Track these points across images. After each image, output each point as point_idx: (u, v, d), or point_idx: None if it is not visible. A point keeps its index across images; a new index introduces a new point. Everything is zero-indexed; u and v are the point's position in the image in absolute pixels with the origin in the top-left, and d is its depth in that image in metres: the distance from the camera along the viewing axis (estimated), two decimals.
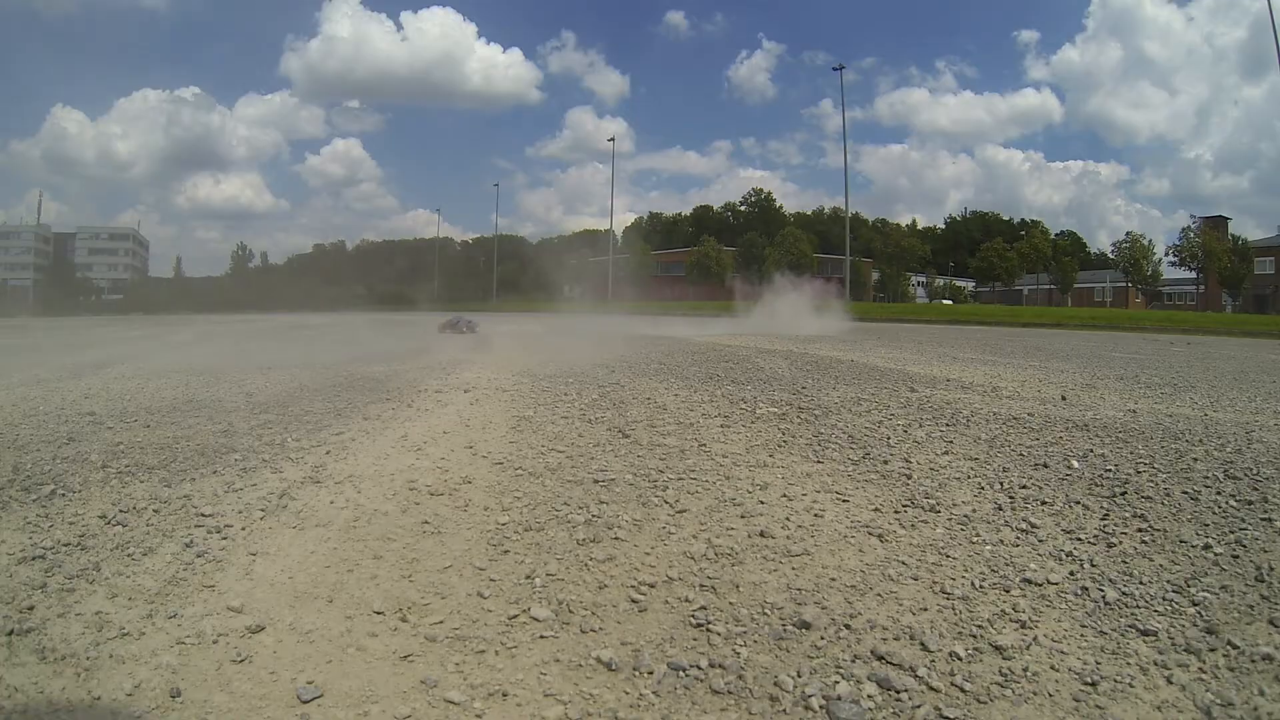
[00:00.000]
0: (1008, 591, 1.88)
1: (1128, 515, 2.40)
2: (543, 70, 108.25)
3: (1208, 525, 2.30)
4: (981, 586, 1.91)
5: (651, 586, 1.95)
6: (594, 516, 2.45)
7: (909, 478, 2.90)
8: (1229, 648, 1.60)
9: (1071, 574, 1.98)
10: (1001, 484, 2.78)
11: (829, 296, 24.86)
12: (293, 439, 3.64)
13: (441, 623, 1.76)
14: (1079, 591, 1.88)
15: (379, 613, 1.80)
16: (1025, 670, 1.53)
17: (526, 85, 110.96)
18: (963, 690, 1.47)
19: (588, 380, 6.04)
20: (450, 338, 13.29)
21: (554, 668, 1.57)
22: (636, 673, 1.55)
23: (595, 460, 3.21)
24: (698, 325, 18.66)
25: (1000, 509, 2.50)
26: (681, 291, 51.52)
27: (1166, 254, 49.94)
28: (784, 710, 1.42)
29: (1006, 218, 79.54)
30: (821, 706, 1.43)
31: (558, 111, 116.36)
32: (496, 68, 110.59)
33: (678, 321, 22.08)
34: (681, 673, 1.55)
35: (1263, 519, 2.33)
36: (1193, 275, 49.62)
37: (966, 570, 2.01)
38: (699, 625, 1.74)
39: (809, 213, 77.54)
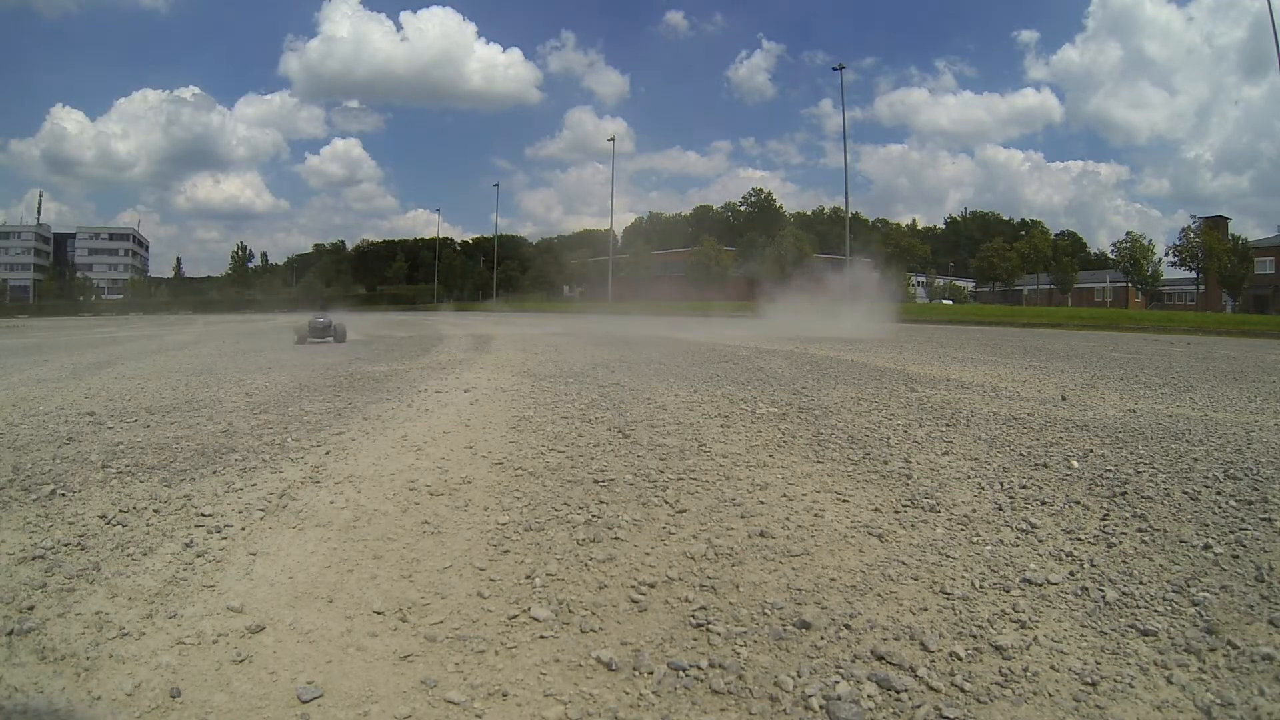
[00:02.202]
0: (1008, 591, 1.88)
1: (1128, 515, 2.40)
2: (543, 70, 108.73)
3: (1208, 525, 2.30)
4: (981, 586, 1.91)
5: (651, 586, 1.94)
6: (594, 516, 2.45)
7: (909, 478, 2.90)
8: (1229, 648, 1.60)
9: (1071, 574, 1.98)
10: (1001, 484, 2.78)
11: (867, 291, 21.64)
12: (293, 439, 3.64)
13: (441, 623, 1.76)
14: (1079, 591, 1.87)
15: (379, 613, 1.80)
16: (1025, 670, 1.53)
17: (526, 85, 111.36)
18: (963, 690, 1.47)
19: (588, 380, 6.04)
20: (310, 348, 10.10)
21: (554, 668, 1.57)
22: (636, 673, 1.55)
23: (595, 460, 3.21)
24: (716, 327, 18.39)
25: (1000, 509, 2.50)
26: (682, 291, 51.45)
27: (1166, 254, 49.93)
28: (784, 710, 1.42)
29: (1006, 218, 79.96)
30: (821, 706, 1.42)
31: (558, 111, 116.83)
32: (496, 68, 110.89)
33: (694, 323, 20.97)
34: (681, 673, 1.55)
35: (1263, 519, 2.33)
36: (1193, 275, 49.55)
37: (966, 570, 2.01)
38: (699, 625, 1.74)
39: (809, 213, 77.86)
